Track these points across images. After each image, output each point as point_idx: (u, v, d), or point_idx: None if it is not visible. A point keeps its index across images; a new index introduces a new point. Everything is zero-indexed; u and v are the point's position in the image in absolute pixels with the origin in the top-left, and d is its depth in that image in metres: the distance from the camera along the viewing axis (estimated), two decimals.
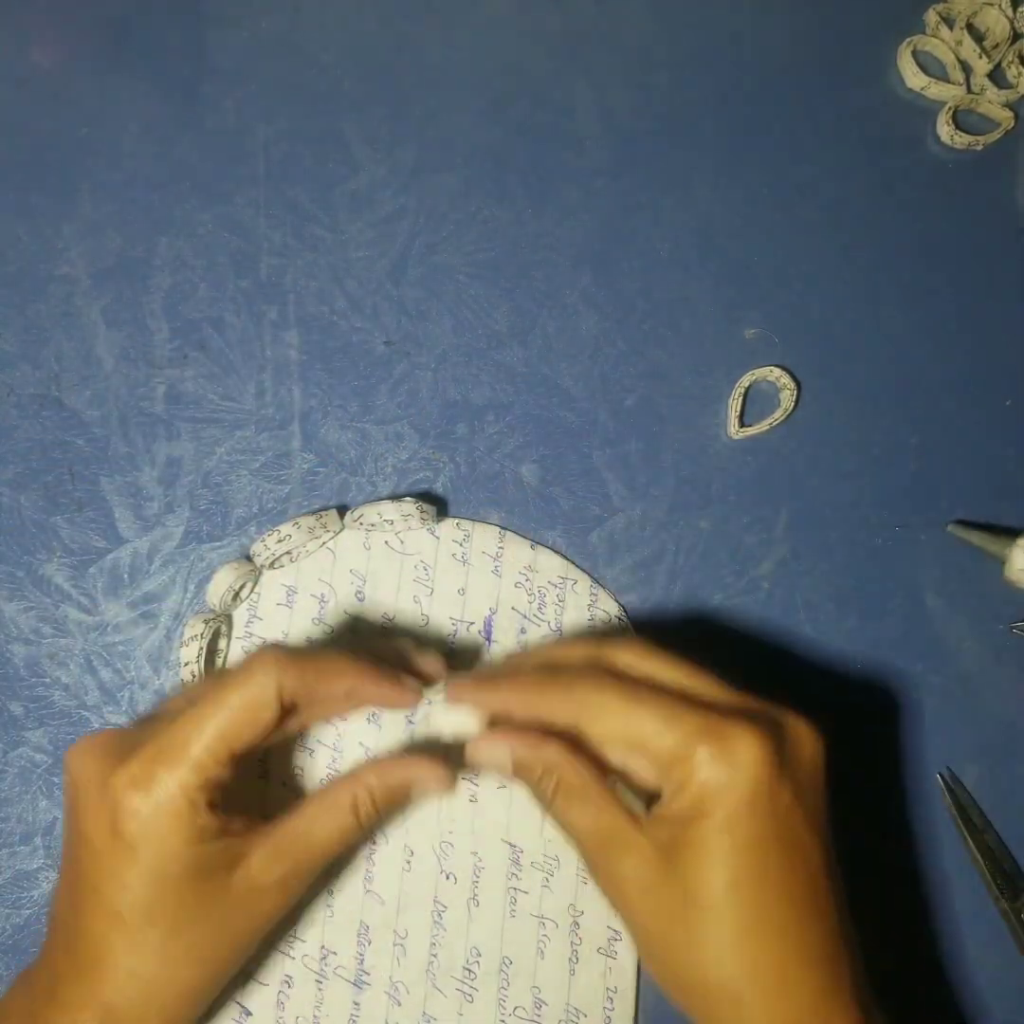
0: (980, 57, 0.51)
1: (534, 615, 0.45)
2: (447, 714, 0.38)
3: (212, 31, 0.50)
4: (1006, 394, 0.49)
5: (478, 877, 0.42)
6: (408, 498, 0.44)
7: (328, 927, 0.42)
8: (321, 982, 0.41)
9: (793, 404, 0.47)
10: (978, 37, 0.52)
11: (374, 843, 0.42)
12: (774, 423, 0.47)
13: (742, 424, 0.47)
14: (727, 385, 0.48)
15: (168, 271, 0.47)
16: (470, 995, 0.42)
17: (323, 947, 0.42)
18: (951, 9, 0.53)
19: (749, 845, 0.32)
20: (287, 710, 0.35)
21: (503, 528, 0.46)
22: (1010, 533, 0.46)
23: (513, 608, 0.44)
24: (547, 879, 0.43)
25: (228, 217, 0.48)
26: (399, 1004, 0.41)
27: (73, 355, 0.46)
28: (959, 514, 0.48)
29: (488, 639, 0.44)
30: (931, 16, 0.53)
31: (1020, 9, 0.52)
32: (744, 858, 0.32)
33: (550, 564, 0.45)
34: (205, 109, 0.49)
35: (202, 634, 0.41)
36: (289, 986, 0.41)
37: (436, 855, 0.43)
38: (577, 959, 0.42)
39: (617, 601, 0.45)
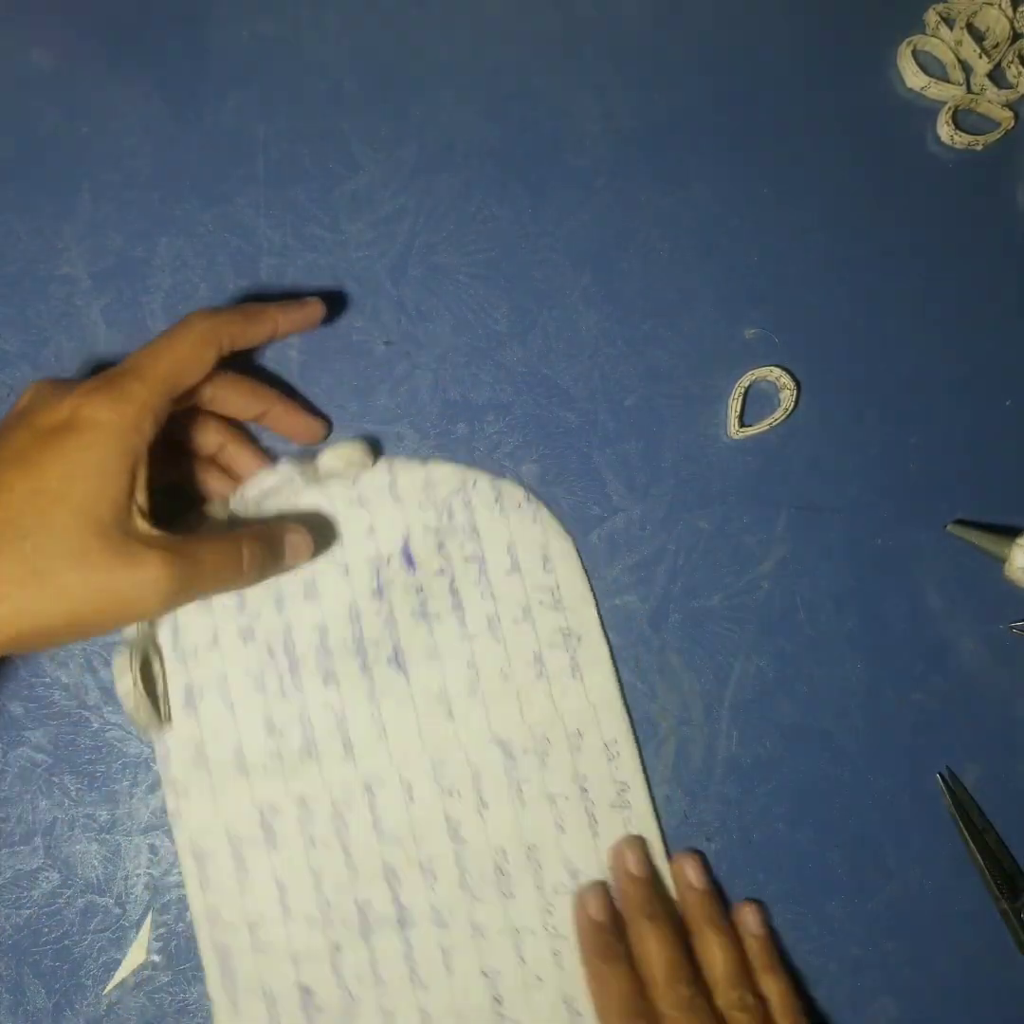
0: (980, 57, 0.51)
1: (447, 527, 0.45)
2: (334, 453, 0.43)
3: (212, 31, 0.50)
4: (1006, 394, 0.49)
5: (479, 783, 0.43)
6: (283, 461, 0.44)
7: (356, 883, 0.42)
8: (367, 937, 0.42)
9: (793, 404, 0.47)
10: (978, 37, 0.52)
11: (372, 792, 0.43)
12: (774, 423, 0.47)
13: (742, 424, 0.47)
14: (727, 385, 0.48)
15: (168, 271, 0.47)
16: (510, 893, 0.43)
17: (357, 904, 0.42)
18: (951, 9, 0.53)
19: None
20: (222, 354, 0.38)
21: (387, 457, 0.46)
22: (1010, 532, 0.46)
23: (425, 527, 0.45)
24: (543, 760, 0.44)
25: (228, 217, 0.48)
26: (447, 927, 0.42)
27: (73, 355, 0.46)
28: (959, 514, 0.48)
29: (411, 565, 0.45)
30: (931, 16, 0.53)
31: (1020, 9, 0.52)
32: None
33: (445, 474, 0.46)
34: (205, 109, 0.49)
35: (130, 663, 0.40)
36: (339, 951, 0.42)
37: (433, 778, 0.43)
38: (596, 821, 0.43)
39: (521, 486, 0.46)
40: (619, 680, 0.45)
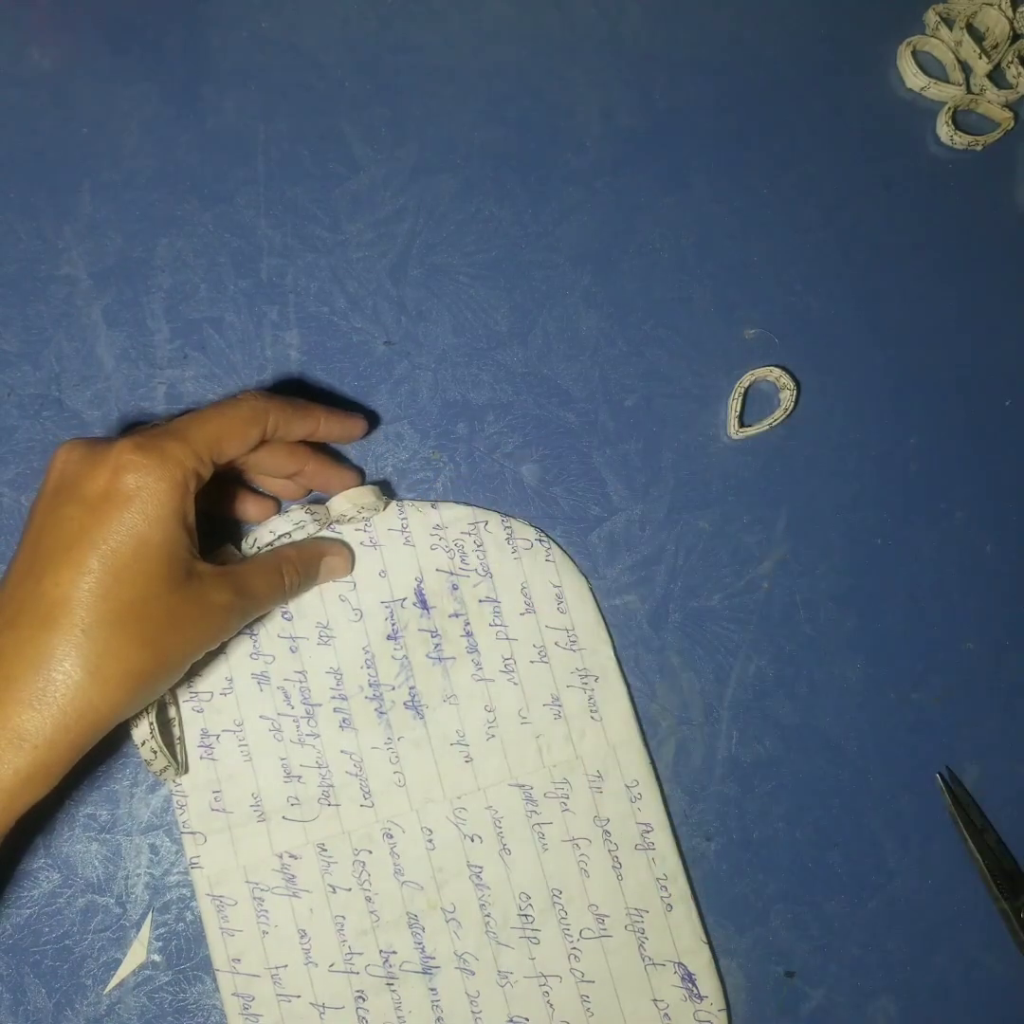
0: (980, 57, 0.51)
1: (459, 568, 0.45)
2: (346, 498, 0.43)
3: (212, 31, 0.50)
4: (1006, 394, 0.49)
5: (500, 827, 0.43)
6: (295, 506, 0.43)
7: (379, 930, 0.42)
8: (392, 984, 0.42)
9: (793, 404, 0.47)
10: (978, 37, 0.52)
11: (392, 837, 0.43)
12: (774, 423, 0.47)
13: (742, 424, 0.47)
14: (727, 385, 0.48)
15: (168, 271, 0.47)
16: (534, 937, 0.42)
17: (381, 951, 0.42)
18: (951, 9, 0.53)
19: None
20: (265, 438, 0.39)
21: (399, 499, 0.46)
22: None
23: (438, 570, 0.45)
24: (564, 803, 0.43)
25: (228, 217, 0.48)
26: (473, 973, 0.42)
27: (73, 355, 0.46)
28: (960, 514, 0.48)
29: (424, 608, 0.45)
30: (931, 16, 0.53)
31: (1020, 9, 0.52)
32: None
33: (456, 515, 0.45)
34: (205, 109, 0.49)
35: (146, 709, 0.39)
36: (364, 1000, 0.42)
37: (454, 823, 0.43)
38: (619, 864, 0.43)
39: (533, 525, 0.46)
40: (638, 718, 0.45)
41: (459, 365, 0.48)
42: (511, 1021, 0.42)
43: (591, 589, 0.45)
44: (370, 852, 0.43)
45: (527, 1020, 0.42)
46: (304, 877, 0.42)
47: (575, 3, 0.51)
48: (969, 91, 0.52)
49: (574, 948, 0.42)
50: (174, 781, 0.42)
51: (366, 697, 0.44)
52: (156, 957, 0.42)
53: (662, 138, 0.50)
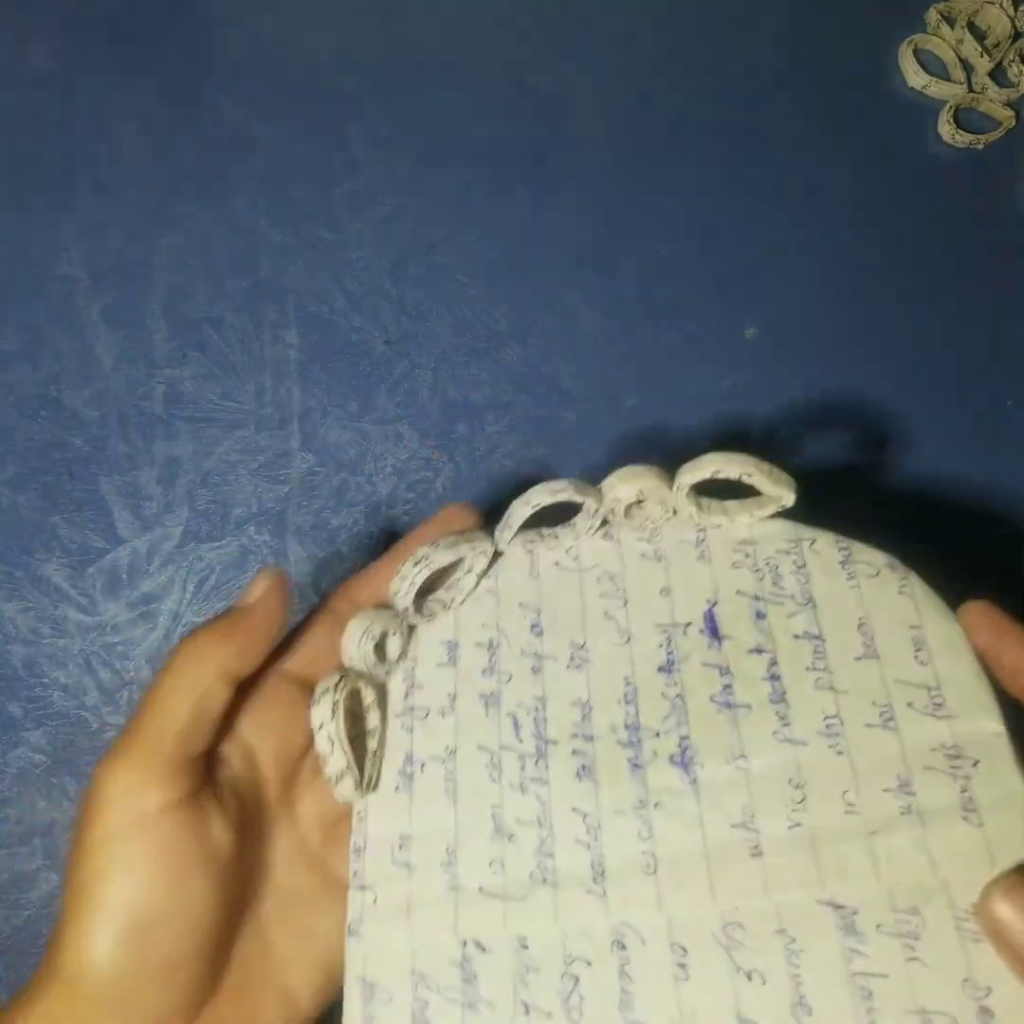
0: (981, 55, 0.51)
1: (770, 593, 0.34)
2: (620, 479, 0.33)
3: (212, 31, 0.50)
4: (1006, 394, 0.49)
5: (797, 967, 0.28)
6: (561, 479, 0.34)
7: None
8: None
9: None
10: (979, 35, 0.52)
11: (625, 948, 0.29)
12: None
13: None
14: (727, 384, 0.48)
15: (168, 271, 0.47)
16: None
17: None
18: (952, 8, 0.53)
19: None
20: (242, 686, 0.31)
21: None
22: None
23: (739, 592, 0.34)
24: (910, 948, 0.28)
25: (228, 217, 0.48)
26: None
27: (72, 355, 0.46)
28: (959, 514, 0.48)
29: (715, 637, 0.34)
30: (932, 15, 0.52)
31: (1021, 8, 0.52)
32: None
33: (773, 531, 0.36)
34: (205, 109, 0.49)
35: (335, 687, 0.31)
36: None
37: (722, 945, 0.29)
38: None
39: (881, 550, 0.35)
40: None
41: (459, 365, 0.47)
42: None
43: (968, 638, 0.32)
44: (589, 964, 0.29)
45: None
46: (489, 979, 0.29)
47: (576, 3, 0.51)
48: (970, 89, 0.52)
49: None
50: (350, 797, 0.32)
51: (619, 741, 0.32)
52: None
53: (662, 138, 0.50)
